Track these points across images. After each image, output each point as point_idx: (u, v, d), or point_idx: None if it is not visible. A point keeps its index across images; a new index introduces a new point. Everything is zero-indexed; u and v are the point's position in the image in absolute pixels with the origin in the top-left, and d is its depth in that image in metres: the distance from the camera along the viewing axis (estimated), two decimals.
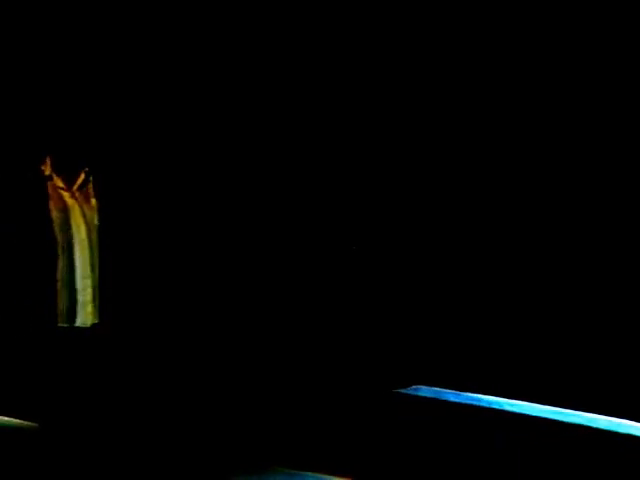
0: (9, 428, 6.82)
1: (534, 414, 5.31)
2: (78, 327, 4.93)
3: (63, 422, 5.24)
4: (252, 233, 6.90)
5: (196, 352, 7.05)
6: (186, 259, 7.71)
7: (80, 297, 4.95)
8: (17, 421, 7.07)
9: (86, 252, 4.94)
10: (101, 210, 5.01)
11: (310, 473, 5.99)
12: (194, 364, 7.02)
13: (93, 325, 4.95)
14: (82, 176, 5.04)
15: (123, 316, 4.97)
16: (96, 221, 4.98)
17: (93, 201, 5.02)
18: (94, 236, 4.97)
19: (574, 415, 5.23)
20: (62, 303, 4.90)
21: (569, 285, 5.77)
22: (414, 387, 5.86)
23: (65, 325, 4.91)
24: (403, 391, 5.81)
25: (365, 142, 6.49)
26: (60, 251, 4.88)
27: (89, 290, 4.96)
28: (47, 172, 5.00)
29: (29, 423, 7.00)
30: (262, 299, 6.84)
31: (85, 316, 4.94)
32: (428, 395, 5.73)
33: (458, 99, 6.11)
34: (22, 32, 7.94)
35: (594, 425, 5.07)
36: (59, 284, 4.88)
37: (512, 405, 5.44)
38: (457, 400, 5.61)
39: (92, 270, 4.94)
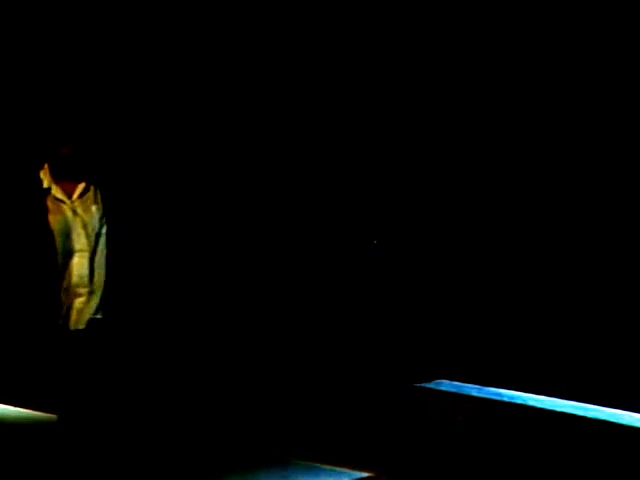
0: (30, 420, 6.99)
1: (557, 409, 5.29)
2: (76, 330, 4.95)
3: (79, 414, 5.25)
4: (278, 226, 6.89)
5: (211, 348, 7.07)
6: (193, 262, 7.73)
7: (76, 306, 4.94)
8: (37, 413, 7.17)
9: (85, 262, 4.91)
10: (104, 216, 4.98)
11: (332, 467, 6.01)
12: (211, 360, 7.04)
13: (93, 328, 4.95)
14: (82, 186, 4.97)
15: (124, 320, 5.00)
16: (96, 229, 4.94)
17: (93, 209, 4.97)
18: (93, 244, 4.94)
19: (597, 410, 5.20)
20: (63, 309, 4.91)
21: (591, 282, 5.74)
22: (436, 381, 5.85)
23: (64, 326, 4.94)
24: (425, 385, 5.80)
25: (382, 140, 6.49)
26: (60, 259, 4.85)
27: (83, 299, 4.93)
28: (46, 184, 4.93)
29: (48, 415, 7.11)
30: (287, 293, 6.85)
31: (75, 324, 4.93)
32: (450, 389, 5.72)
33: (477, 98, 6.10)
34: (24, 37, 7.98)
35: (617, 421, 5.04)
36: (60, 291, 4.88)
37: (535, 400, 5.42)
38: (479, 395, 5.60)
39: (91, 279, 4.93)
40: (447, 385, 5.80)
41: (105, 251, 4.97)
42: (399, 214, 6.46)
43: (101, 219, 4.98)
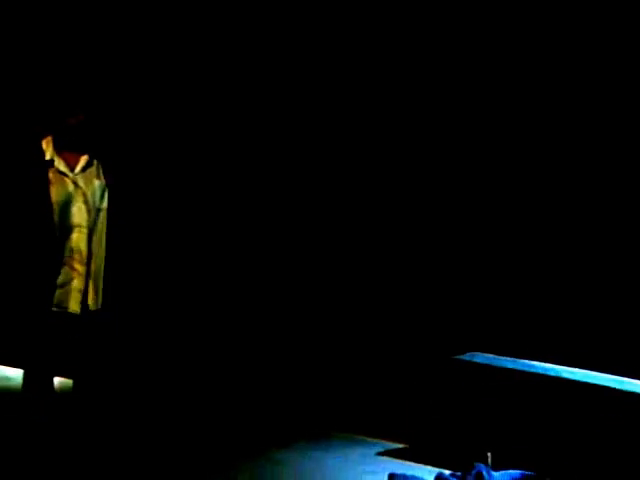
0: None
1: (591, 381, 5.31)
2: (72, 313, 4.71)
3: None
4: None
5: (254, 325, 7.12)
6: (198, 244, 7.76)
7: (74, 284, 4.72)
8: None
9: (84, 237, 4.74)
10: (105, 191, 4.74)
11: (369, 438, 6.08)
12: (254, 338, 7.10)
13: (91, 312, 4.75)
14: (85, 159, 4.80)
15: (125, 302, 4.86)
16: (97, 204, 4.76)
17: (95, 183, 4.78)
18: (93, 219, 4.75)
19: (632, 384, 5.22)
20: (58, 288, 4.67)
21: (625, 257, 5.74)
22: (470, 353, 5.88)
23: (60, 310, 4.70)
24: (460, 357, 5.83)
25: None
26: (60, 236, 4.67)
27: (82, 277, 4.72)
28: (48, 156, 4.74)
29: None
30: (321, 269, 6.87)
31: (76, 303, 4.73)
32: (484, 361, 5.74)
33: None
34: (38, 9, 7.99)
35: None
36: (57, 269, 4.67)
37: (569, 372, 5.44)
38: (513, 367, 5.61)
39: (89, 256, 4.74)
40: (481, 357, 5.82)
41: (105, 227, 4.81)
42: (430, 197, 6.46)
43: (102, 194, 4.82)
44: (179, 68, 7.78)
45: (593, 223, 5.81)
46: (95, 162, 4.84)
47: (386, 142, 6.66)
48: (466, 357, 5.84)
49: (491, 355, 5.81)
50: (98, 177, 4.84)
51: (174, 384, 7.18)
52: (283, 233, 7.11)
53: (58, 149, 4.79)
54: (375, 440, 6.00)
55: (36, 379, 4.82)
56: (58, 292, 4.73)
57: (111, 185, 4.86)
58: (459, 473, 4.81)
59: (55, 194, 4.72)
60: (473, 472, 4.74)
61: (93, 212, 4.79)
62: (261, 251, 7.26)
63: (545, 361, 5.60)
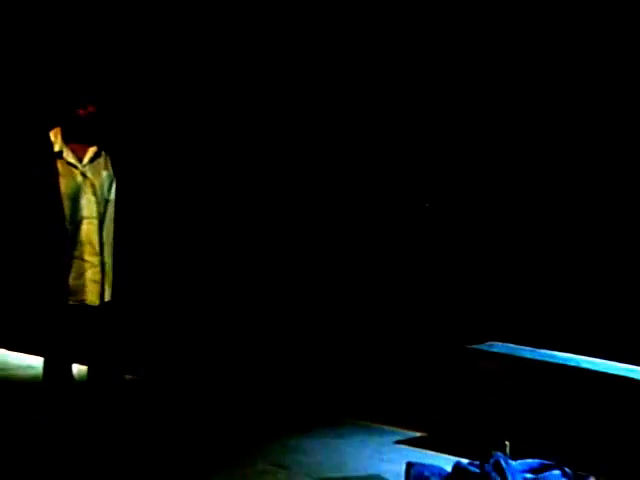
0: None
1: (611, 372, 5.28)
2: (87, 305, 4.69)
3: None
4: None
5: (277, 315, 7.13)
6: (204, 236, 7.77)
7: (88, 275, 4.69)
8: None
9: (94, 228, 4.71)
10: (113, 182, 4.72)
11: (386, 426, 6.08)
12: (275, 326, 7.11)
13: (103, 304, 4.73)
14: (93, 150, 4.77)
15: (135, 295, 4.82)
16: (106, 195, 4.73)
17: (104, 174, 4.75)
18: (102, 210, 4.72)
19: None
20: (72, 280, 4.64)
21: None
22: (489, 343, 5.87)
23: (76, 302, 4.67)
24: (478, 347, 5.82)
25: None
26: (70, 228, 4.63)
27: (96, 268, 4.71)
28: (57, 148, 4.70)
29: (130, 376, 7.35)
30: (341, 259, 6.87)
31: (92, 295, 4.71)
32: (503, 351, 5.73)
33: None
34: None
35: None
36: (70, 261, 4.63)
37: (589, 362, 5.42)
38: (532, 357, 5.60)
39: (101, 247, 4.73)
40: (500, 347, 5.81)
41: (113, 219, 4.79)
42: (449, 181, 6.45)
43: (110, 185, 4.80)
44: (186, 62, 7.81)
45: (616, 211, 5.77)
46: (103, 153, 4.82)
47: (392, 139, 6.66)
48: (485, 346, 5.83)
49: (510, 344, 5.81)
50: (106, 168, 4.82)
51: (189, 372, 7.21)
52: (301, 217, 7.12)
53: (66, 140, 4.77)
54: (393, 428, 6.01)
55: (55, 371, 4.82)
56: (73, 284, 4.71)
57: (119, 177, 4.84)
58: (477, 462, 4.79)
59: (64, 186, 4.70)
60: (491, 461, 4.72)
61: (102, 203, 4.78)
62: (273, 238, 7.28)
63: (565, 351, 5.58)
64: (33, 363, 7.32)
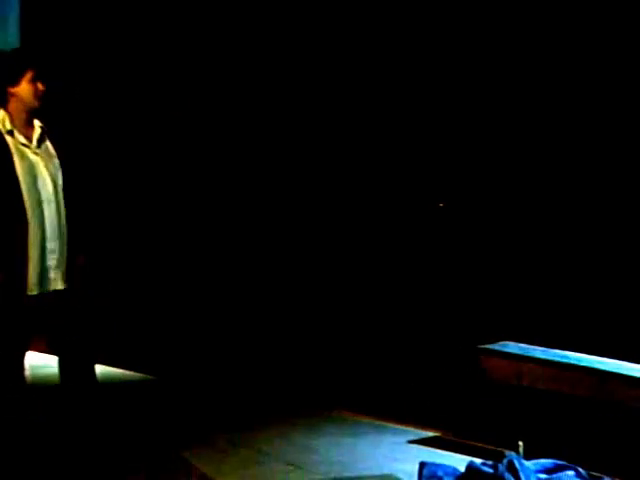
0: (131, 380, 7.32)
1: (623, 372, 5.28)
2: (46, 293, 4.43)
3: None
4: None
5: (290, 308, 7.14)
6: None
7: (49, 262, 4.44)
8: (138, 374, 7.42)
9: (53, 212, 4.45)
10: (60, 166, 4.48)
11: (400, 425, 6.09)
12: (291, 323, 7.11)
13: (60, 291, 4.48)
14: (38, 130, 4.49)
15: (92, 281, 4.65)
16: (60, 180, 4.50)
17: (54, 158, 4.50)
18: (60, 195, 4.48)
19: None
20: (32, 268, 4.37)
21: None
22: (502, 343, 5.87)
23: (34, 293, 4.40)
24: (491, 347, 5.82)
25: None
26: (28, 211, 4.36)
27: (56, 254, 4.45)
28: (8, 126, 4.40)
29: (147, 376, 7.38)
30: (353, 254, 6.88)
31: (53, 282, 4.46)
32: (515, 351, 5.73)
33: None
34: None
35: None
36: (29, 247, 4.36)
37: (601, 363, 5.42)
38: (544, 357, 5.59)
39: (59, 232, 4.47)
40: (512, 347, 5.81)
41: (63, 203, 4.54)
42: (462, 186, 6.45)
43: (58, 168, 4.56)
44: (177, 55, 7.84)
45: (628, 211, 5.76)
46: (46, 137, 4.58)
47: (406, 138, 6.66)
48: (497, 346, 5.83)
49: (523, 344, 5.80)
50: (55, 151, 4.60)
51: (195, 370, 7.23)
52: (312, 213, 7.14)
53: (12, 120, 4.49)
54: (406, 427, 6.02)
55: (9, 366, 4.52)
56: (34, 272, 4.46)
57: (62, 159, 4.62)
58: (491, 462, 4.80)
59: (19, 167, 4.44)
60: (505, 461, 4.72)
61: (58, 187, 4.56)
62: (284, 233, 7.29)
63: (578, 351, 5.58)
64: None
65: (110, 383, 7.21)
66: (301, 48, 7.22)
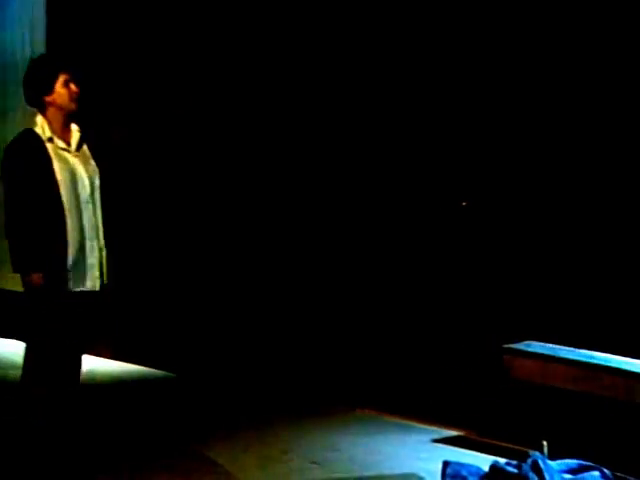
0: (152, 377, 7.36)
1: None
2: (87, 291, 4.59)
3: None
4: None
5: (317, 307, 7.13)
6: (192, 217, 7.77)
7: (88, 260, 4.60)
8: (158, 371, 7.45)
9: (91, 213, 4.64)
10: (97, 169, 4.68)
11: (423, 424, 6.08)
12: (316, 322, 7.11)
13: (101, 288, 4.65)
14: (76, 135, 4.69)
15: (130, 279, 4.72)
16: (97, 181, 4.69)
17: (91, 161, 4.69)
18: (98, 197, 4.67)
19: None
20: (71, 266, 4.53)
21: None
22: (526, 342, 5.83)
23: (75, 290, 4.56)
24: (515, 346, 5.78)
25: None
26: (67, 213, 4.54)
27: (95, 253, 4.62)
28: (48, 134, 4.59)
29: (168, 373, 7.41)
30: (375, 253, 6.86)
31: (93, 280, 4.62)
32: (540, 351, 5.69)
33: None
34: None
35: None
36: (68, 247, 4.53)
37: (627, 364, 5.37)
38: (570, 356, 5.55)
39: (97, 232, 4.66)
40: (537, 346, 5.77)
41: (100, 204, 4.74)
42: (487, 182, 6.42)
43: (95, 169, 4.74)
44: (180, 55, 7.86)
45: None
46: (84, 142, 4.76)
47: (429, 137, 6.64)
48: (523, 346, 5.79)
49: (548, 344, 5.77)
50: (91, 155, 4.77)
51: (216, 368, 7.25)
52: (330, 212, 7.12)
53: (52, 125, 4.67)
54: (430, 426, 6.00)
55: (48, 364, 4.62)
56: (74, 271, 4.61)
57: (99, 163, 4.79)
58: (515, 462, 4.78)
59: (59, 171, 4.60)
60: (529, 461, 4.70)
61: (96, 189, 4.73)
62: (299, 231, 7.28)
63: (604, 351, 5.53)
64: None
65: (131, 380, 7.27)
66: (316, 46, 7.21)
